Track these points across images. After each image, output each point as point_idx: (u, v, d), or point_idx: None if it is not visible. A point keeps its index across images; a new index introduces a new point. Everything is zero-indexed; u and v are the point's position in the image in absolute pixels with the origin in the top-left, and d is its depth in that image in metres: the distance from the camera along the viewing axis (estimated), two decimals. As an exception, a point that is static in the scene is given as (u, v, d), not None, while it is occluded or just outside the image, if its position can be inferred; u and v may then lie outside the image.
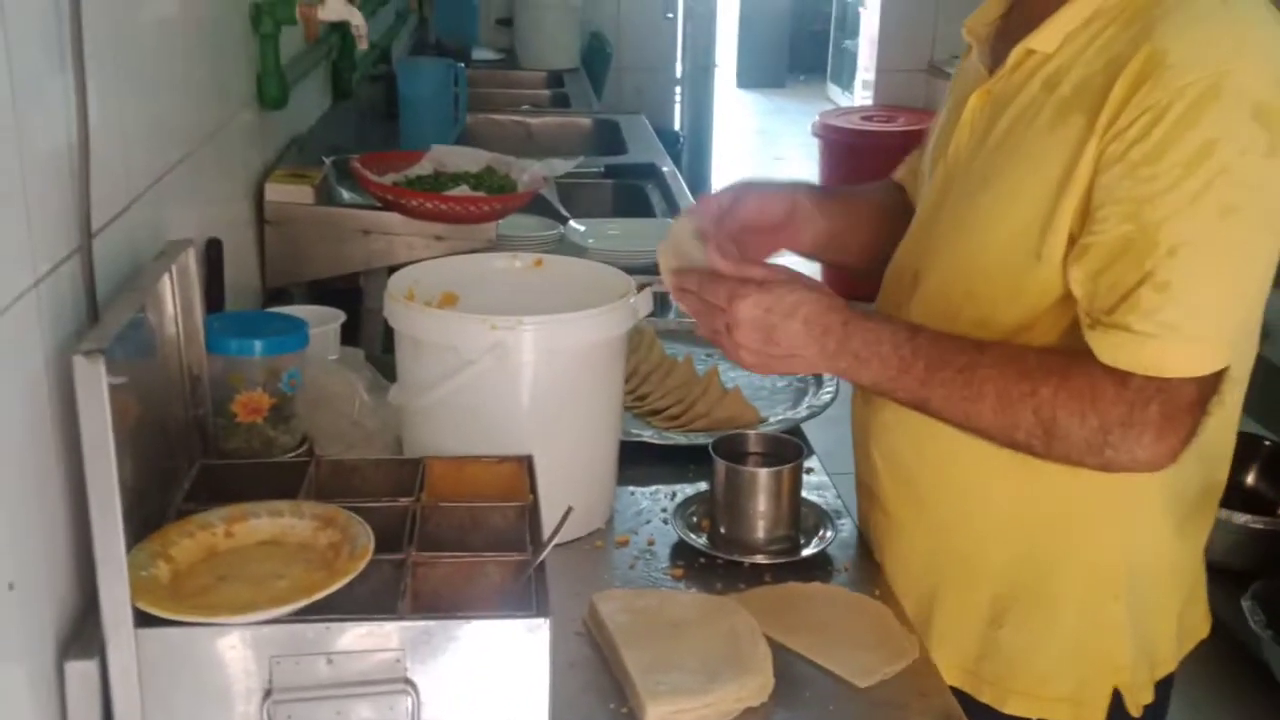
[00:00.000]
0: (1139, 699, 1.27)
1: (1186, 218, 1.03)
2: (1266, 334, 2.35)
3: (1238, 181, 1.02)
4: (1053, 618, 1.25)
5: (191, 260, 1.18)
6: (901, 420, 1.26)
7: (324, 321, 1.52)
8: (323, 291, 1.91)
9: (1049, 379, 1.09)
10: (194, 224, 1.44)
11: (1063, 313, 1.14)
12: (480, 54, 4.63)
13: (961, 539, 1.28)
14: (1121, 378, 1.06)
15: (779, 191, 1.38)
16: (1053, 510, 1.22)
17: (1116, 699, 1.25)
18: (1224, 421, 1.19)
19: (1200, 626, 1.35)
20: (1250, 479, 2.76)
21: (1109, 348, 1.07)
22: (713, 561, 1.32)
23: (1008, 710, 1.27)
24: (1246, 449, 2.82)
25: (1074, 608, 1.25)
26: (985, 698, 1.27)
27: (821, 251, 1.42)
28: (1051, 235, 1.11)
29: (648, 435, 1.58)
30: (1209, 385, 1.07)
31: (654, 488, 1.48)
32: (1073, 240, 1.11)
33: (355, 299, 1.95)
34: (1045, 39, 1.15)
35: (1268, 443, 2.78)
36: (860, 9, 7.55)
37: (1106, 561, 1.24)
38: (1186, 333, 1.04)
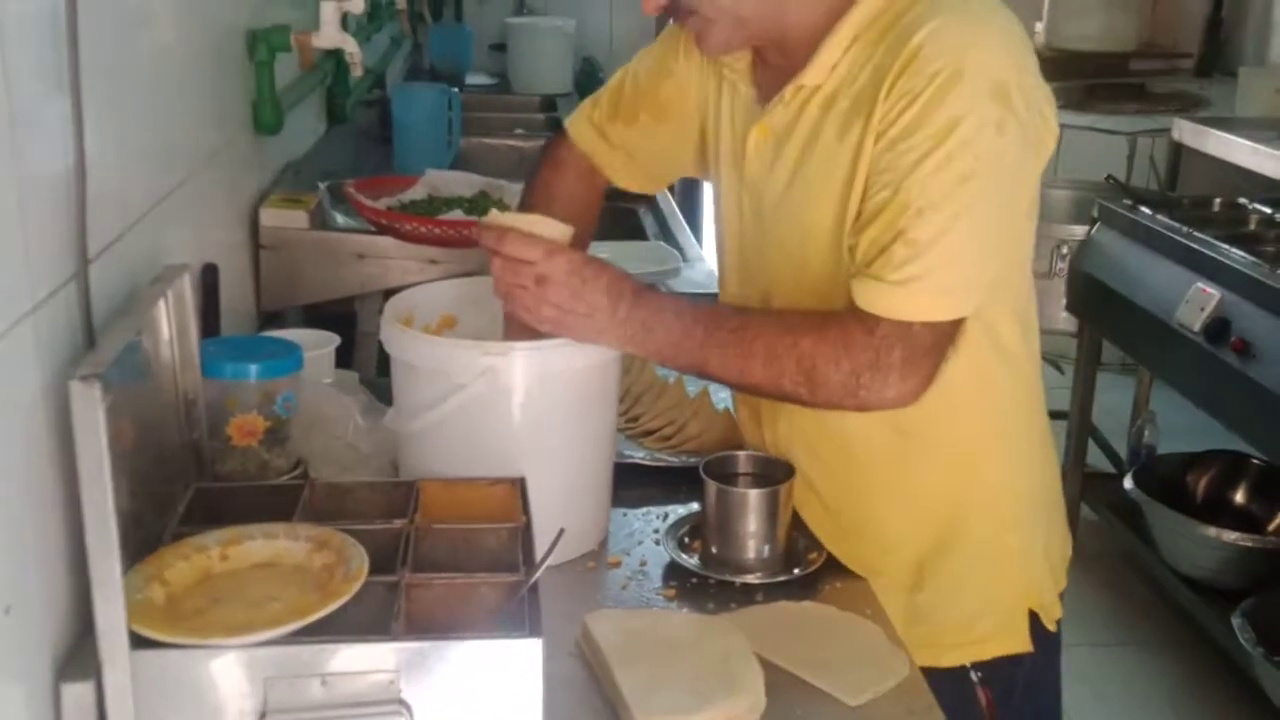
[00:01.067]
0: (1052, 614, 1.42)
1: (932, 183, 1.17)
2: (1255, 355, 2.38)
3: (975, 152, 1.17)
4: (962, 566, 1.37)
5: (187, 285, 1.19)
6: (794, 431, 1.40)
7: (319, 345, 1.53)
8: (318, 315, 1.93)
9: (809, 332, 1.23)
10: (190, 249, 1.46)
11: None
12: (474, 79, 4.66)
13: (869, 522, 1.38)
14: (871, 325, 1.20)
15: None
16: (934, 467, 1.35)
17: (1034, 620, 1.39)
18: (1029, 356, 1.38)
19: (1068, 542, 1.50)
20: (1239, 498, 2.78)
21: (863, 294, 1.21)
22: (705, 582, 1.33)
23: (944, 664, 1.35)
24: (1235, 468, 2.85)
25: (978, 551, 1.37)
26: (922, 660, 1.27)
27: None
28: (845, 225, 1.25)
29: (640, 456, 1.59)
30: (945, 332, 1.22)
31: (646, 509, 1.49)
32: None
33: (350, 323, 1.96)
34: (815, 74, 1.27)
35: (1256, 462, 2.79)
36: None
37: (996, 499, 1.38)
38: (930, 284, 1.18)
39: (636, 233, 2.73)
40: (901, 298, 1.19)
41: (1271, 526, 2.73)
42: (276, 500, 1.15)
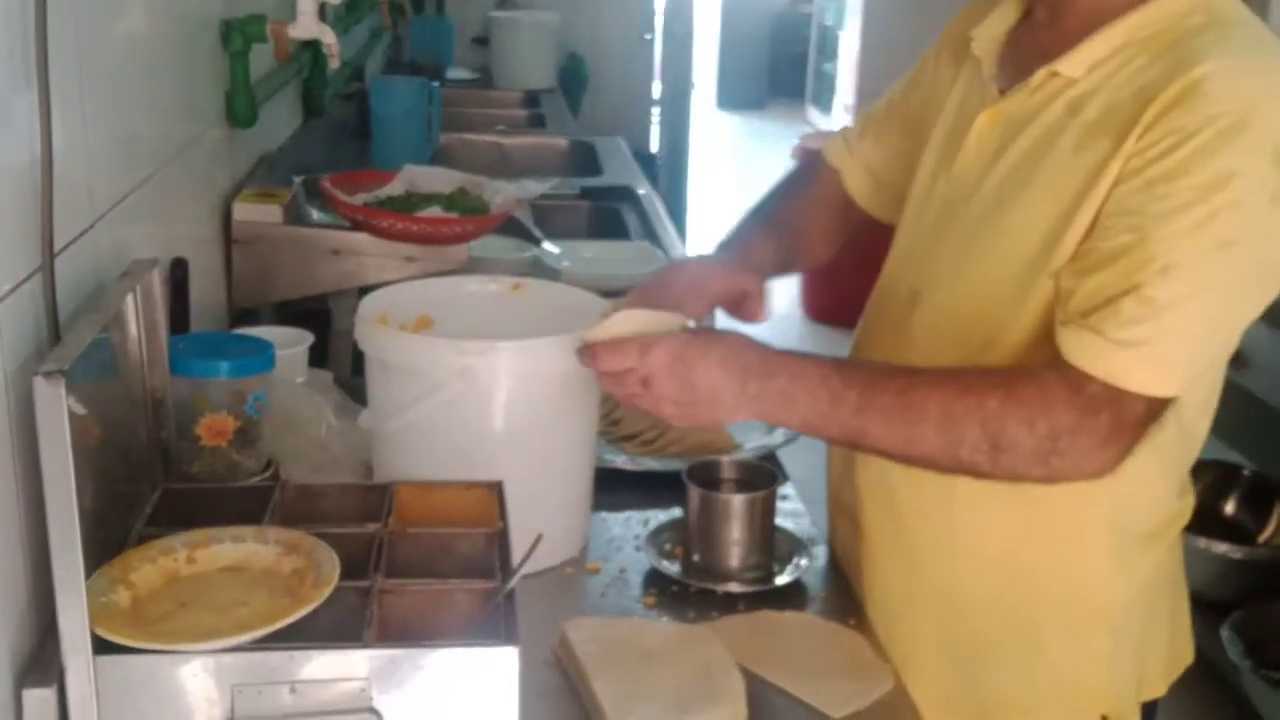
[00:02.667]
0: None
1: (1186, 241, 1.03)
2: (1246, 363, 2.37)
3: (1243, 218, 1.03)
4: (1037, 653, 1.24)
5: (156, 280, 1.16)
6: None
7: (292, 343, 1.50)
8: (291, 313, 1.89)
9: (995, 390, 1.08)
10: (160, 244, 1.42)
11: None
12: (455, 73, 4.61)
13: (942, 572, 1.26)
14: (1077, 383, 1.06)
15: (721, 271, 1.37)
16: (1038, 545, 1.21)
17: None
18: (1184, 449, 1.22)
19: (1186, 652, 1.35)
20: (1230, 508, 2.77)
21: (1078, 347, 1.06)
22: (685, 590, 1.30)
23: None
24: (1226, 479, 2.84)
25: (1059, 642, 1.23)
26: None
27: (774, 278, 1.43)
28: (1060, 249, 1.11)
29: (621, 461, 1.57)
30: (1157, 409, 1.07)
31: (626, 514, 1.47)
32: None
33: (324, 320, 1.93)
34: (1074, 64, 1.14)
35: (1247, 472, 2.78)
36: (839, 32, 7.59)
37: (1092, 595, 1.22)
38: (1157, 352, 1.05)
39: (619, 232, 2.71)
40: (1123, 360, 1.04)
41: (1262, 538, 2.72)
42: (246, 502, 1.12)
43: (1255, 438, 2.41)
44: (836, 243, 1.49)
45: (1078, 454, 1.06)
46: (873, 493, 1.30)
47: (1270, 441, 2.36)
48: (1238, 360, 2.40)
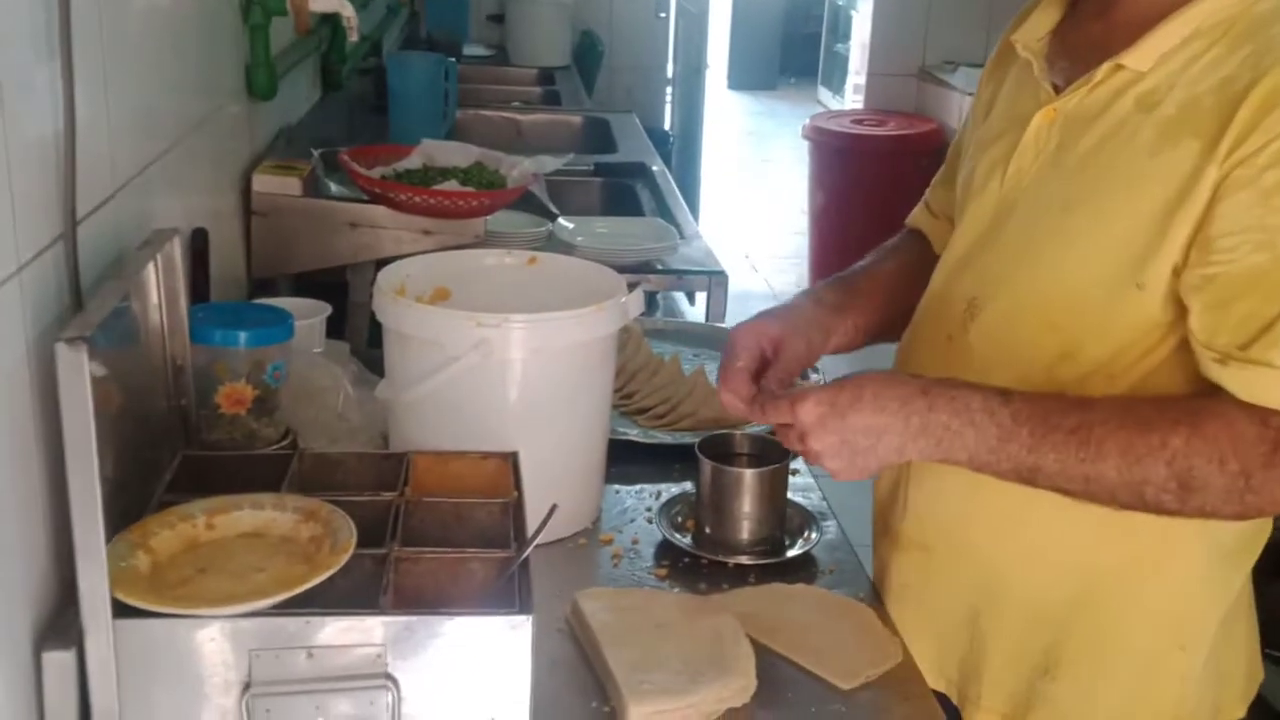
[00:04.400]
0: None
1: None
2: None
3: None
4: (1111, 668, 1.20)
5: (177, 250, 1.17)
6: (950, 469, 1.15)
7: (310, 314, 1.51)
8: (309, 284, 1.90)
9: (1178, 428, 1.01)
10: (180, 214, 1.43)
11: (1156, 347, 1.09)
12: (471, 50, 4.62)
13: (1016, 583, 1.21)
14: (1262, 416, 1.00)
15: (803, 319, 1.29)
16: (1116, 555, 1.16)
17: None
18: None
19: (1258, 670, 1.30)
20: None
21: (1247, 384, 1.00)
22: (697, 561, 1.32)
23: None
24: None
25: (1135, 658, 1.19)
26: None
27: (852, 346, 1.35)
28: (1157, 263, 1.05)
29: (634, 434, 1.58)
30: None
31: (639, 486, 1.48)
32: (1176, 271, 1.05)
33: (341, 292, 1.94)
34: (1141, 57, 1.08)
35: None
36: (852, 13, 7.56)
37: (1172, 609, 1.18)
38: None
39: (634, 209, 2.71)
40: None
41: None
42: (264, 470, 1.14)
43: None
44: (908, 313, 1.35)
45: (1273, 488, 1.01)
46: (933, 511, 1.26)
47: None
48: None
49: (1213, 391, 1.03)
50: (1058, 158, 1.14)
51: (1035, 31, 1.22)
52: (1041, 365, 1.13)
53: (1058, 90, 1.16)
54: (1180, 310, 1.06)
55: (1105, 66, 1.10)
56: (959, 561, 1.25)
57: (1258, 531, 1.19)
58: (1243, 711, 1.27)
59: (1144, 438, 1.02)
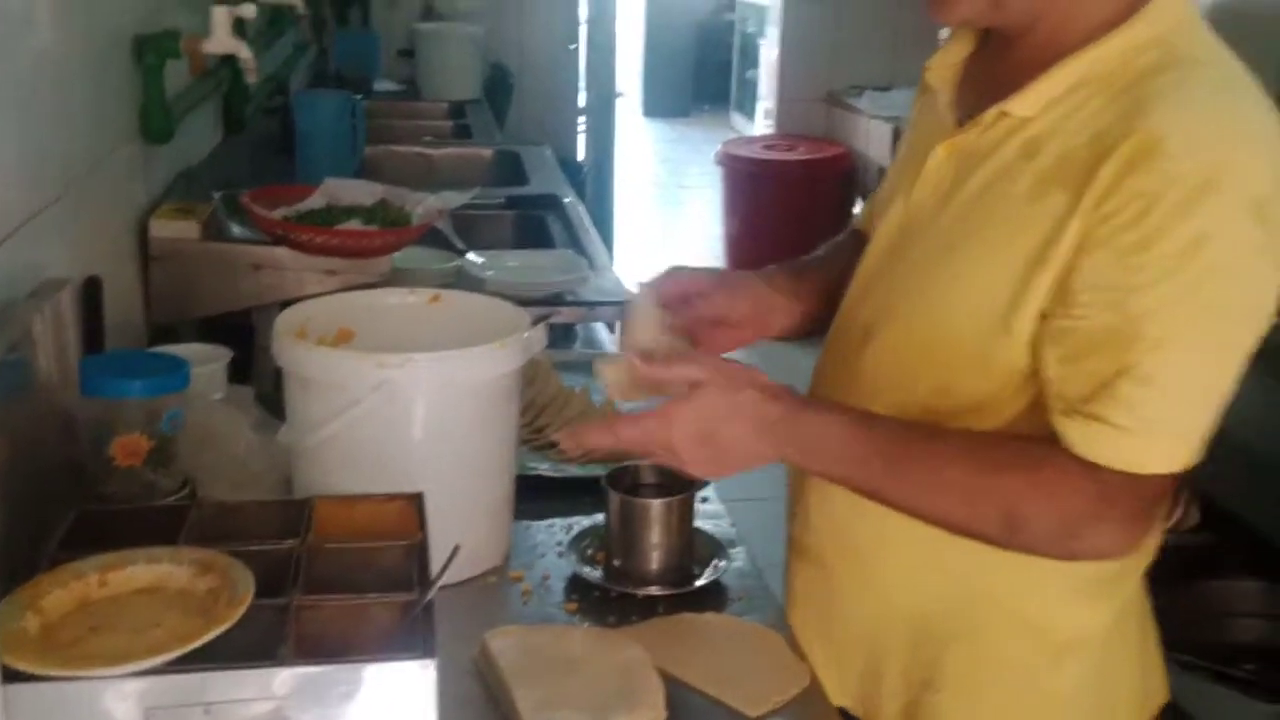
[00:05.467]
0: None
1: (1174, 313, 0.99)
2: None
3: (1228, 280, 0.99)
4: (991, 682, 1.22)
5: (67, 299, 1.16)
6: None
7: (210, 360, 1.49)
8: (214, 328, 1.88)
9: (1015, 472, 1.06)
10: (73, 262, 1.41)
11: (1026, 388, 1.11)
12: (381, 85, 4.59)
13: (902, 597, 1.23)
14: (1093, 471, 1.02)
15: (747, 285, 1.34)
16: (995, 569, 1.17)
17: None
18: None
19: (1159, 691, 1.31)
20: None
21: (1084, 439, 1.03)
22: (606, 594, 1.32)
23: None
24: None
25: (1015, 672, 1.21)
26: None
27: (798, 332, 1.38)
28: (1022, 310, 1.07)
29: (544, 468, 1.58)
30: (1174, 480, 1.04)
31: (550, 521, 1.47)
32: (1044, 317, 1.07)
33: (248, 335, 1.92)
34: (1026, 104, 1.10)
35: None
36: (760, 40, 7.67)
37: (1051, 623, 1.20)
38: (1167, 429, 1.01)
39: (546, 241, 2.72)
40: (1134, 446, 1.01)
41: (1169, 524, 2.79)
42: (162, 522, 1.11)
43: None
44: None
45: (1096, 539, 1.05)
46: (826, 526, 1.29)
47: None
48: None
49: (1056, 440, 1.05)
50: (951, 194, 1.16)
51: (946, 60, 1.24)
52: (920, 396, 1.16)
53: (961, 124, 1.18)
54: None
55: (992, 112, 1.12)
56: (851, 575, 1.28)
57: (1142, 552, 1.20)
58: None
59: (982, 476, 1.07)
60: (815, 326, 1.38)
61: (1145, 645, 1.29)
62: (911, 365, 1.17)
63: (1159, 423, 1.01)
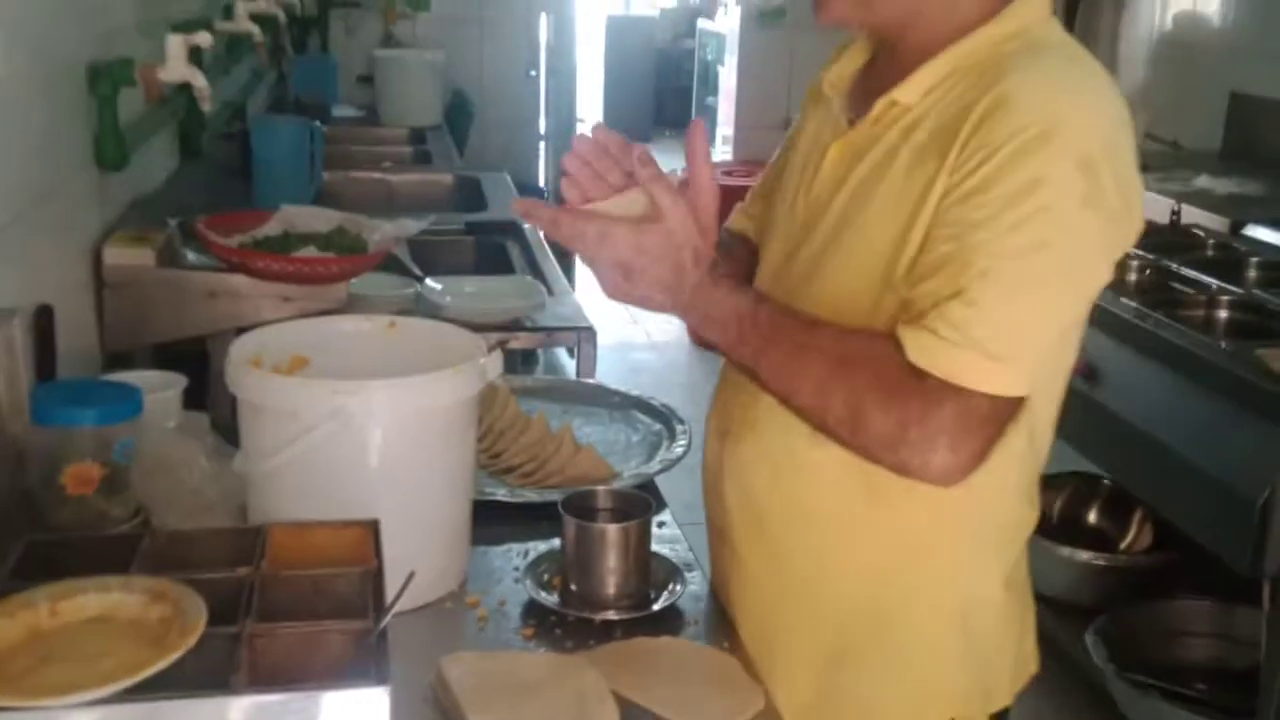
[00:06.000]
0: None
1: (1001, 244, 1.09)
2: (1101, 380, 2.47)
3: (1053, 221, 1.09)
4: (893, 655, 1.29)
5: (16, 328, 1.15)
6: (760, 454, 1.31)
7: (164, 387, 1.48)
8: (170, 354, 1.87)
9: (866, 368, 1.14)
10: (25, 290, 1.40)
11: None
12: (341, 111, 4.59)
13: (808, 577, 1.31)
14: (921, 376, 1.11)
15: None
16: (896, 546, 1.26)
17: None
18: (1033, 461, 1.28)
19: (1031, 661, 1.39)
20: (1092, 517, 2.87)
21: (915, 346, 1.12)
22: (564, 619, 1.32)
23: None
24: (1088, 489, 2.95)
25: (914, 644, 1.29)
26: None
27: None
28: (899, 265, 1.17)
29: (501, 494, 1.58)
30: (1004, 407, 1.12)
31: (506, 546, 1.48)
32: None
33: (204, 362, 1.91)
34: (908, 91, 1.21)
35: (1106, 482, 2.89)
36: (719, 68, 7.75)
37: (945, 596, 1.29)
38: (988, 349, 1.09)
39: (505, 266, 2.72)
40: (954, 356, 1.10)
41: (1123, 545, 2.83)
42: (114, 551, 1.11)
43: (1112, 450, 2.51)
44: None
45: (926, 448, 1.11)
46: (740, 501, 1.35)
47: (1125, 453, 2.46)
48: (1091, 375, 2.51)
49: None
50: (842, 183, 1.26)
51: (841, 72, 1.35)
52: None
53: (852, 124, 1.29)
54: None
55: (881, 102, 1.23)
56: (759, 558, 1.34)
57: (1019, 521, 1.31)
58: (1009, 700, 1.35)
59: (837, 370, 1.15)
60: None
61: (1025, 617, 1.38)
62: None
63: (980, 341, 1.09)
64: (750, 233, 1.51)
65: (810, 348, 1.17)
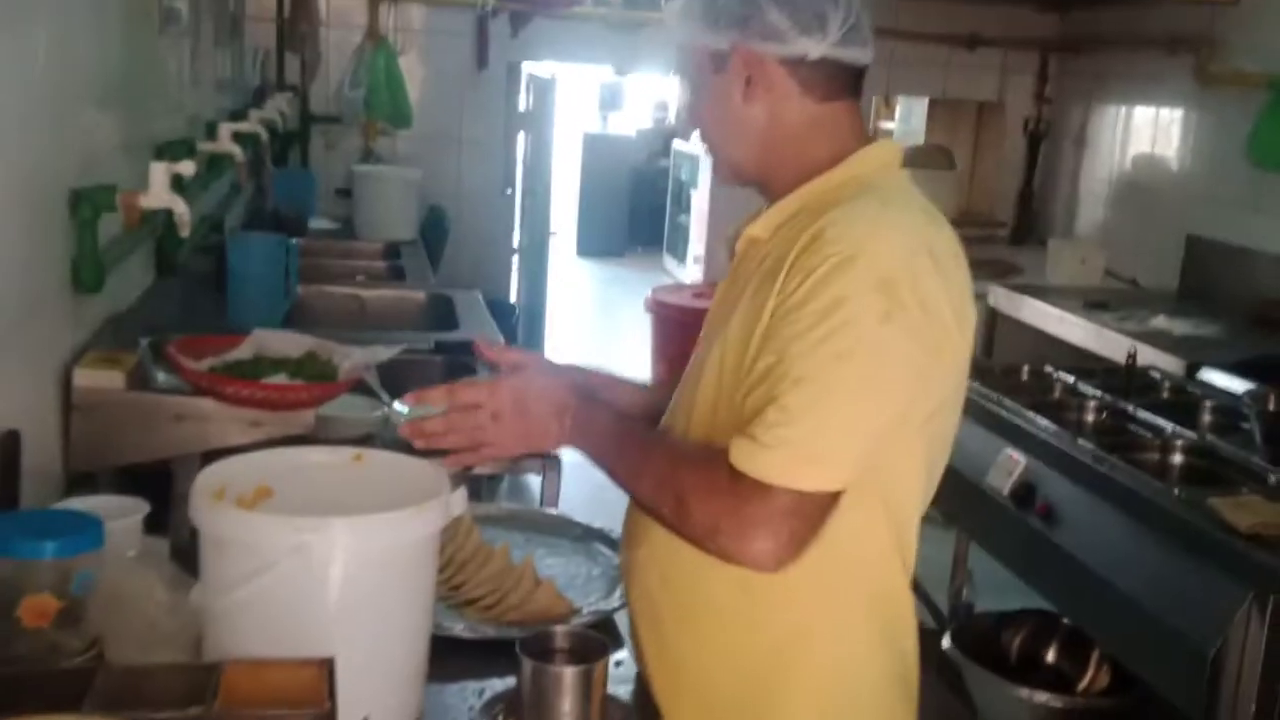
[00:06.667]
0: None
1: (811, 356, 1.25)
2: (1058, 520, 2.47)
3: (855, 335, 1.24)
4: None
5: (-18, 459, 1.16)
6: (651, 556, 1.45)
7: (125, 513, 1.48)
8: (134, 473, 1.87)
9: (691, 467, 1.32)
10: (-8, 414, 1.41)
11: None
12: (318, 223, 4.64)
13: (698, 667, 1.42)
14: (738, 478, 1.26)
15: (558, 378, 1.53)
16: (772, 630, 1.38)
17: None
18: (894, 531, 1.38)
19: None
20: (1051, 657, 2.87)
21: (737, 451, 1.27)
22: (516, 763, 1.31)
23: None
24: (1046, 628, 2.95)
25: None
26: None
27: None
28: (737, 376, 1.33)
29: (459, 629, 1.58)
30: (816, 501, 1.26)
31: (462, 684, 1.47)
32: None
33: (167, 480, 1.91)
34: (761, 228, 1.41)
35: (1066, 621, 2.90)
36: (692, 190, 7.91)
37: (824, 684, 1.39)
38: (796, 451, 1.24)
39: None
40: (765, 459, 1.24)
41: (1081, 684, 2.82)
42: (67, 686, 1.10)
43: (1068, 592, 2.54)
44: None
45: (738, 538, 1.26)
46: (640, 606, 1.49)
47: (1081, 596, 2.48)
48: (1048, 516, 2.54)
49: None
50: (715, 315, 1.46)
51: (739, 226, 1.50)
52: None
53: None
54: None
55: (742, 239, 1.44)
56: (659, 653, 1.47)
57: (892, 590, 1.41)
58: None
59: (669, 468, 1.34)
60: None
61: (908, 680, 1.47)
62: (698, 436, 1.42)
63: (790, 442, 1.24)
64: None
65: (654, 449, 1.39)
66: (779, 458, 1.24)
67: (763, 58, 1.38)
